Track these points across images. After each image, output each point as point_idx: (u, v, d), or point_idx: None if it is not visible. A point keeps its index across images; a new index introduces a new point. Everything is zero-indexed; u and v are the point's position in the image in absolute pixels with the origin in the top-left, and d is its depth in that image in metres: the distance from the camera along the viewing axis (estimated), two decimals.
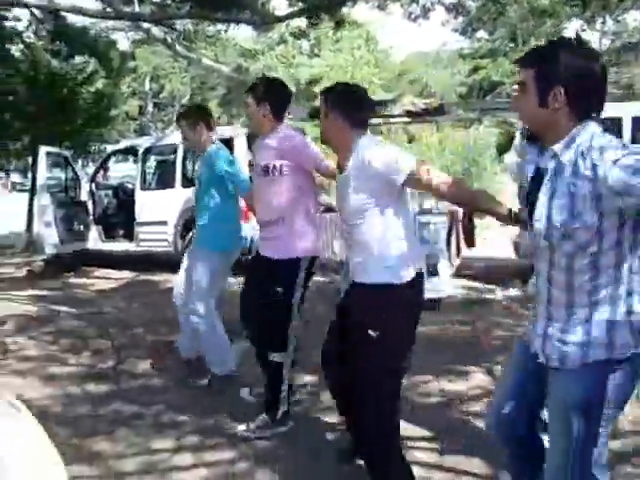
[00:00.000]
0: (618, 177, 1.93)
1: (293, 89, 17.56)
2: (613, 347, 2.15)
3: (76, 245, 10.41)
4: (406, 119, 10.21)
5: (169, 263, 9.16)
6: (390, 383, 3.06)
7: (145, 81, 40.38)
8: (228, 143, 9.57)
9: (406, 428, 3.74)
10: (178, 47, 11.22)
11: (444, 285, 7.11)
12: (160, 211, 10.01)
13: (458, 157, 17.02)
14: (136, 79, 38.54)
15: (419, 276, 3.06)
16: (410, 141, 20.47)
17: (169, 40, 10.78)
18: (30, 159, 14.32)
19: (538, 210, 2.21)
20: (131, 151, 12.02)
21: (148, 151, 11.10)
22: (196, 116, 4.82)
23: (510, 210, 2.70)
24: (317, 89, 17.63)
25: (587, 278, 2.16)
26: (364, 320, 3.00)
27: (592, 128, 2.13)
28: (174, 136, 10.28)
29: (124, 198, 11.29)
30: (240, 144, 9.33)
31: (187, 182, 9.79)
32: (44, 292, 8.76)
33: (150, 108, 42.36)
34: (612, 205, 2.01)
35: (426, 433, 4.03)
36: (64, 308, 7.57)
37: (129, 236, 10.46)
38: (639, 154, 1.93)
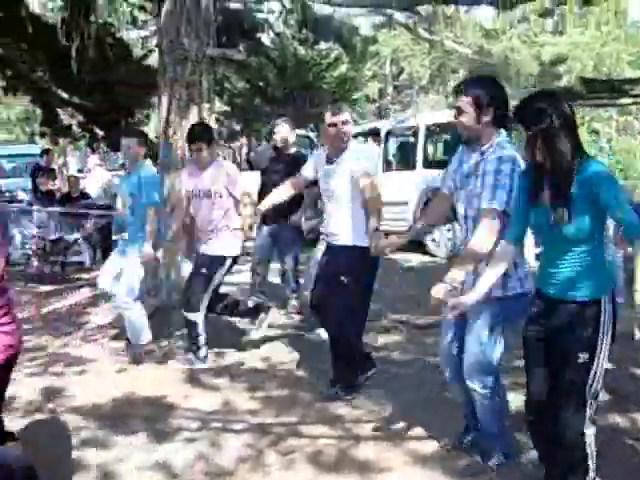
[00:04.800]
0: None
1: (537, 69, 17.08)
2: (506, 288, 3.35)
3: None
4: None
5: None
6: None
7: (385, 64, 40.90)
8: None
9: None
10: (420, 30, 11.30)
11: None
12: (401, 192, 10.23)
13: None
14: (376, 62, 39.16)
15: None
16: None
17: (411, 24, 10.91)
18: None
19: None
20: (373, 133, 12.39)
21: (390, 133, 11.38)
22: None
23: None
24: (562, 68, 16.94)
25: None
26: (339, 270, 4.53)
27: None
28: (415, 118, 10.46)
29: None
30: None
31: (428, 164, 9.92)
32: None
33: (390, 91, 42.90)
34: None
35: None
36: None
37: None
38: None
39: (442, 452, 3.78)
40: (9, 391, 4.89)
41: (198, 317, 5.43)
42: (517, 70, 15.65)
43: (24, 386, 5.06)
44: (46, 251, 9.91)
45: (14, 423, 4.40)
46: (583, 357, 2.89)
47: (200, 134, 5.46)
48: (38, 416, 4.55)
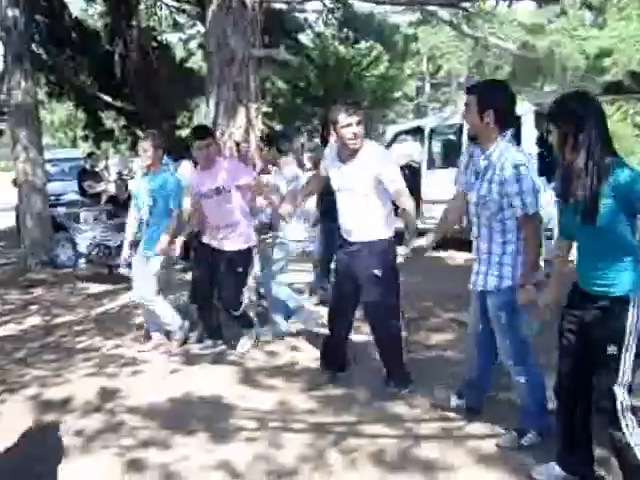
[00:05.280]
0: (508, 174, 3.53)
1: (582, 63, 16.85)
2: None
3: None
4: None
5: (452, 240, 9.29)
6: None
7: (422, 62, 40.77)
8: (517, 120, 9.48)
9: None
10: (464, 27, 11.22)
11: None
12: (445, 190, 10.13)
13: None
14: (414, 60, 39.05)
15: None
16: None
17: (455, 21, 10.84)
18: (319, 140, 15.22)
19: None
20: (416, 131, 12.30)
21: (434, 131, 11.30)
22: None
23: None
24: (607, 62, 16.66)
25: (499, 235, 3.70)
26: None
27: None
28: (458, 116, 10.36)
29: (410, 177, 11.59)
30: (528, 122, 9.19)
31: None
32: None
33: (427, 89, 42.76)
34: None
35: None
36: None
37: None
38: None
39: (506, 451, 3.72)
40: (67, 391, 5.01)
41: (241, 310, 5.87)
42: (563, 65, 15.44)
43: (80, 386, 5.13)
44: (96, 254, 10.02)
45: (74, 423, 4.47)
46: (611, 349, 3.01)
47: (208, 130, 5.74)
48: (96, 416, 4.59)
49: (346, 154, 4.66)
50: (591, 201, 2.94)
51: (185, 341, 6.15)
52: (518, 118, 8.54)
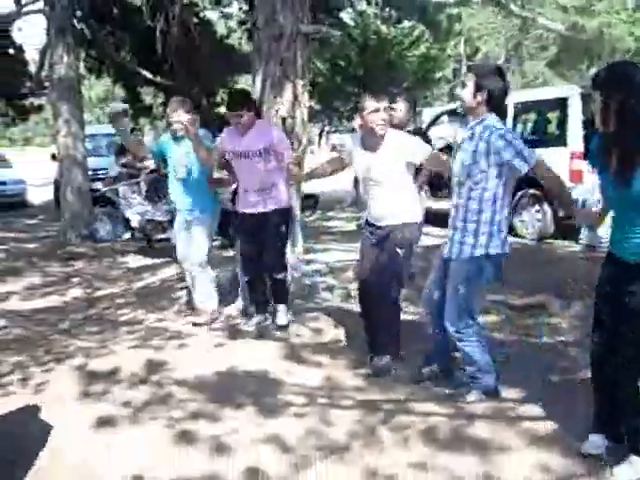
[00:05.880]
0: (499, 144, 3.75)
1: (632, 45, 16.46)
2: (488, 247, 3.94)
3: None
4: None
5: None
6: None
7: (460, 43, 40.29)
8: (563, 103, 9.34)
9: None
10: (513, 7, 11.01)
11: None
12: None
13: None
14: (453, 41, 38.56)
15: None
16: None
17: (503, 0, 10.64)
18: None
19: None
20: (454, 113, 12.19)
21: None
22: None
23: None
24: None
25: (476, 205, 3.90)
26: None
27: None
28: None
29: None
30: (575, 104, 9.04)
31: None
32: None
33: (464, 70, 42.24)
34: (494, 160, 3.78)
35: None
36: None
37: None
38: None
39: (560, 433, 3.67)
40: (113, 363, 5.04)
41: (287, 274, 5.92)
42: (612, 47, 15.14)
43: (126, 358, 5.15)
44: (150, 228, 10.07)
45: (121, 394, 4.50)
46: None
47: (239, 101, 5.68)
48: (143, 388, 4.61)
49: (372, 142, 4.72)
50: (628, 167, 2.96)
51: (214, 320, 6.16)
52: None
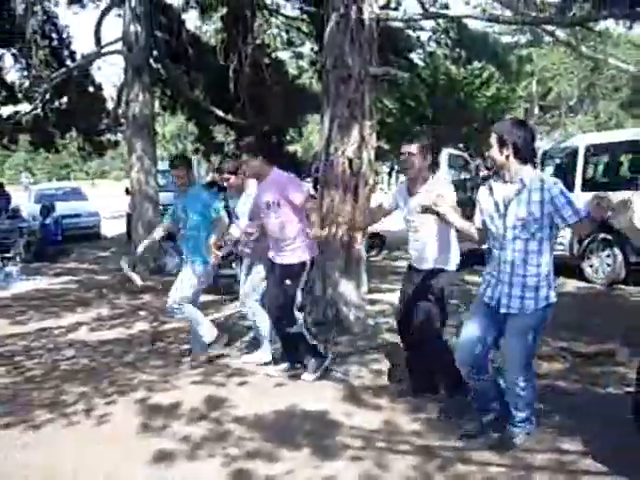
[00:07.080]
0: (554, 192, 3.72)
1: None
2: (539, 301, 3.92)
3: None
4: None
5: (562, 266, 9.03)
6: None
7: (532, 83, 39.97)
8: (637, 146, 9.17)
9: None
10: (583, 48, 10.91)
11: None
12: None
13: None
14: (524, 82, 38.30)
15: None
16: None
17: (573, 42, 10.54)
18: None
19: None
20: None
21: (547, 154, 11.06)
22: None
23: None
24: None
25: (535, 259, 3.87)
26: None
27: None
28: (572, 139, 10.11)
29: None
30: None
31: (586, 186, 9.65)
32: None
33: (536, 111, 41.84)
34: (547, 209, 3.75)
35: None
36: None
37: None
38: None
39: None
40: (174, 397, 5.10)
41: (299, 327, 5.66)
42: None
43: (187, 393, 5.20)
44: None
45: (180, 429, 4.54)
46: None
47: (246, 146, 5.69)
48: (202, 424, 4.65)
49: (412, 187, 4.89)
50: None
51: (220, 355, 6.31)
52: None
